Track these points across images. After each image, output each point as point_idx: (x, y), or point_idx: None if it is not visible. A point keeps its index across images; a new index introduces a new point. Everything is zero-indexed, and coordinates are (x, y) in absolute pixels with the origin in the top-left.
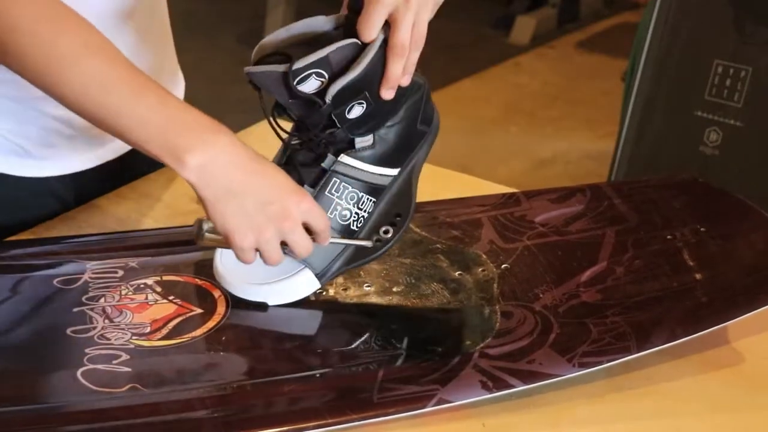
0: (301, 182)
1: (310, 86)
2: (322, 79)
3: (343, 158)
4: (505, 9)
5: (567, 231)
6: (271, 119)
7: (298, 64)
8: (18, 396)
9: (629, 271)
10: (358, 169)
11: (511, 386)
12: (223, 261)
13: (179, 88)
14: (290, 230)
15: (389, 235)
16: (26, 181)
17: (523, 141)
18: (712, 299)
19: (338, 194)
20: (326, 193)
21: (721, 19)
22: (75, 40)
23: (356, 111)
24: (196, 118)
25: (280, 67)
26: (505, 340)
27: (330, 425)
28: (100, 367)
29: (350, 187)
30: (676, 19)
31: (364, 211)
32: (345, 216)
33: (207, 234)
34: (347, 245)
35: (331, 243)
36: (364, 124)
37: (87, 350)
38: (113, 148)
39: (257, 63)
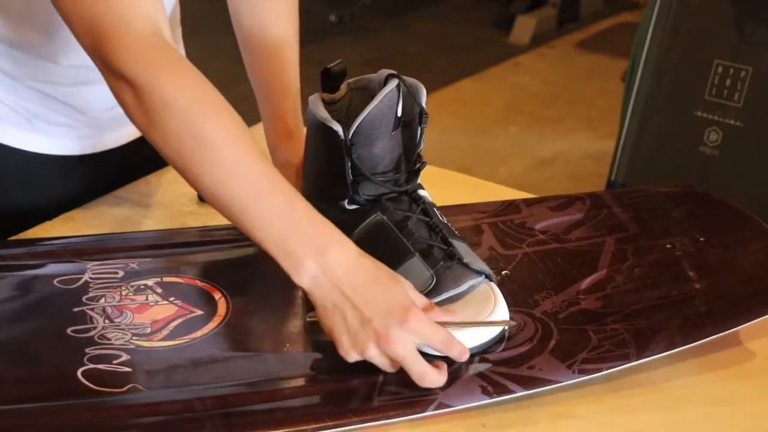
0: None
1: (399, 109)
2: (402, 102)
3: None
4: (505, 9)
5: (566, 239)
6: None
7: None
8: (18, 395)
9: (629, 279)
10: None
11: (511, 391)
12: None
13: None
14: (391, 350)
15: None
16: (30, 156)
17: (523, 141)
18: (712, 308)
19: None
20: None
21: (721, 19)
22: (220, 127)
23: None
24: (317, 228)
25: (392, 85)
26: (506, 345)
27: (329, 428)
28: (100, 366)
29: (436, 210)
30: (676, 19)
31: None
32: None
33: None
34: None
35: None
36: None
37: (87, 350)
38: (116, 138)
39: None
